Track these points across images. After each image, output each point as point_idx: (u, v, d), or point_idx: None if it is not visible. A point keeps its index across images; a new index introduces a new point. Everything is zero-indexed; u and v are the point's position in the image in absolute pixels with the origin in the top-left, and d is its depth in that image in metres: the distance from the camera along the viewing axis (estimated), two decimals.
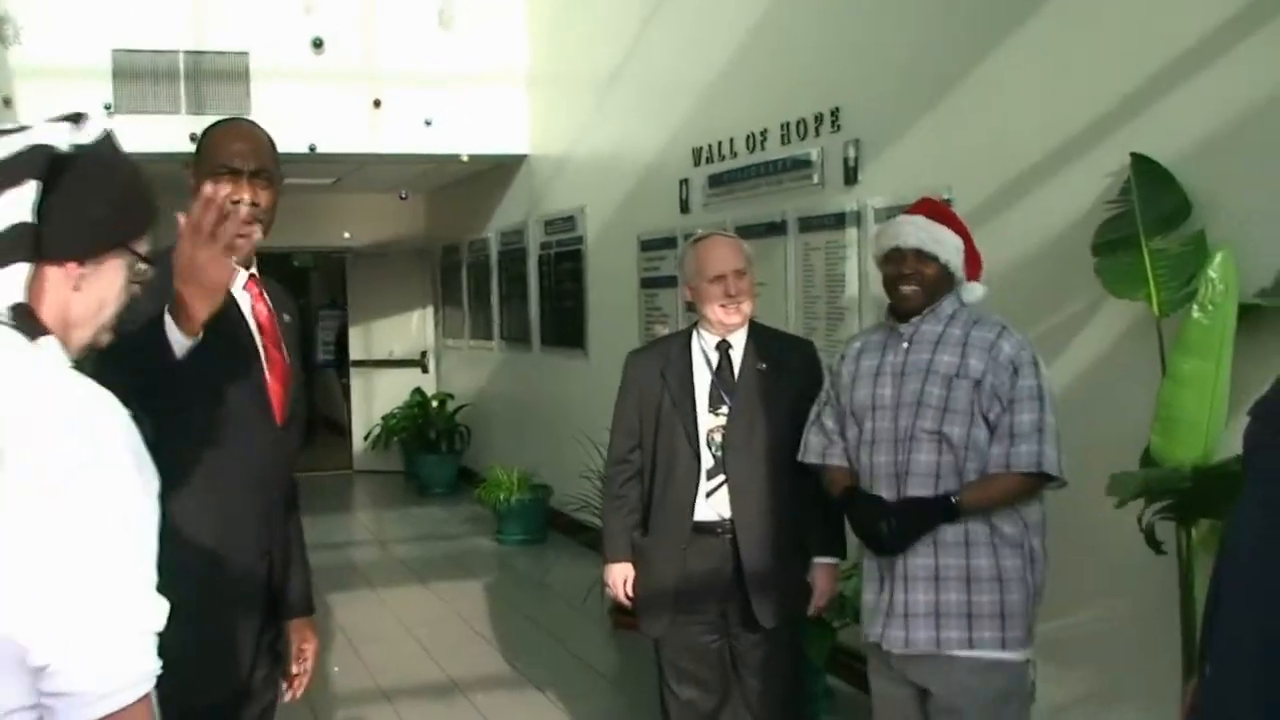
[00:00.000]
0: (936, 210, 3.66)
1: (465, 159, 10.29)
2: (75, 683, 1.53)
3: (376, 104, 9.81)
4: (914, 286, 3.49)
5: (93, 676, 1.54)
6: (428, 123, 9.96)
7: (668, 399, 4.01)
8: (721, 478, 3.93)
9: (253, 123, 3.07)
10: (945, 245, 3.50)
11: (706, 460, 3.95)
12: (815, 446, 3.75)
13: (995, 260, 4.76)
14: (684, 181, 7.59)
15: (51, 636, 1.52)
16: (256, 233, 2.87)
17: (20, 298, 1.67)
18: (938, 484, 3.39)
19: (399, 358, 13.60)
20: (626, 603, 4.14)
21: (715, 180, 7.18)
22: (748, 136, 6.82)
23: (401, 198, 12.62)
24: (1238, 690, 2.20)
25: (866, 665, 3.73)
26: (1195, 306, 3.52)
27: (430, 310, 13.75)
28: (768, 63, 6.68)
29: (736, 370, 4.00)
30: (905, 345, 3.52)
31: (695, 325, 4.10)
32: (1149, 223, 4.04)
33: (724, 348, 4.02)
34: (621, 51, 8.54)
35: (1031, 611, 3.43)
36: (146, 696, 1.59)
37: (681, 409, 3.99)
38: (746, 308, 3.99)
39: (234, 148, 2.88)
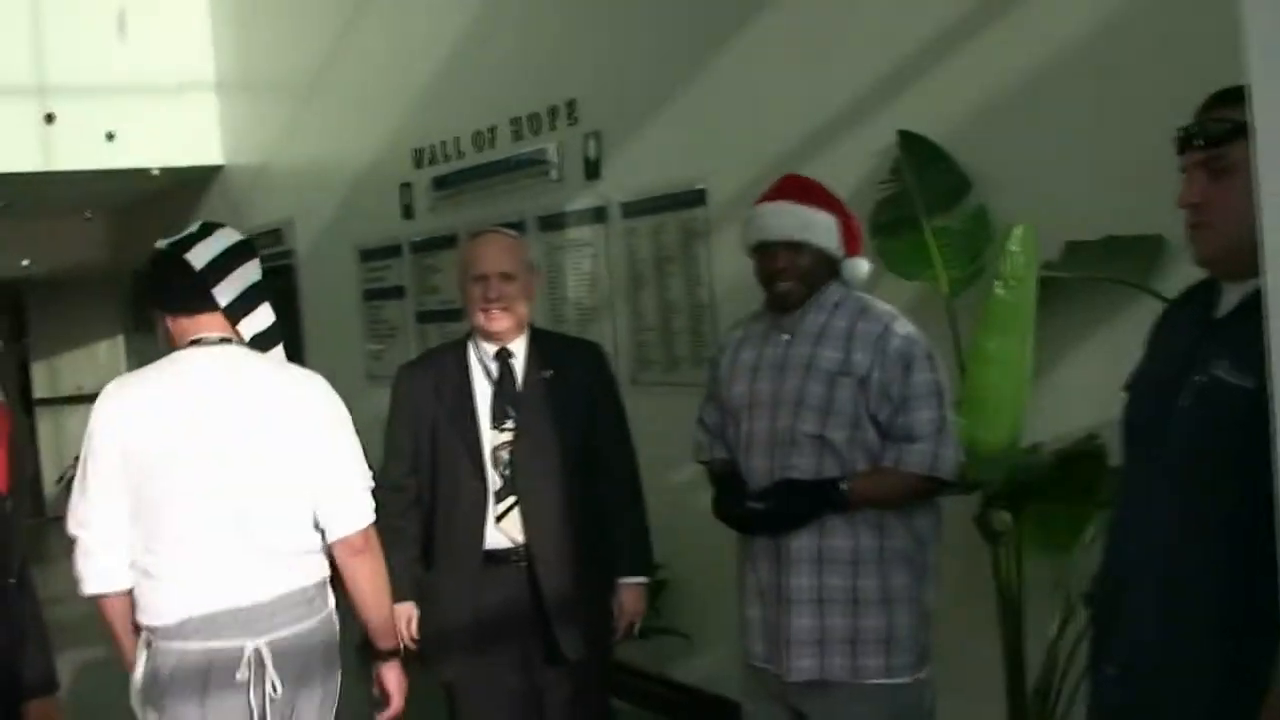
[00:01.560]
0: (801, 188, 3.27)
1: (156, 173, 9.56)
2: (344, 512, 2.97)
3: (49, 119, 8.97)
4: (789, 282, 3.16)
5: (353, 509, 2.99)
6: (110, 136, 9.18)
7: (444, 416, 3.64)
8: (511, 499, 3.57)
9: None
10: (817, 228, 3.16)
11: (494, 481, 3.58)
12: (702, 444, 3.45)
13: None
14: (406, 185, 7.18)
15: (334, 492, 2.95)
16: None
17: (273, 320, 3.01)
18: None
19: (89, 392, 12.58)
20: (412, 645, 3.74)
21: (441, 183, 6.80)
22: (474, 134, 6.48)
23: (87, 218, 11.68)
24: (1163, 678, 2.05)
25: (742, 684, 3.40)
26: (998, 283, 3.40)
27: (121, 338, 12.81)
28: (492, 56, 6.35)
29: (519, 380, 3.66)
30: (786, 338, 3.20)
31: (470, 335, 3.72)
32: (927, 201, 3.94)
33: (504, 356, 3.66)
34: (323, 52, 8.03)
35: (923, 632, 3.15)
36: (371, 526, 3.03)
37: (460, 427, 3.61)
38: (510, 317, 3.61)
39: None
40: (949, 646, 3.91)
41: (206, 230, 2.98)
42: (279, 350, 3.01)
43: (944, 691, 3.27)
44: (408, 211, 7.21)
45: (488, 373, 3.65)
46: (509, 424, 3.61)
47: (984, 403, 3.47)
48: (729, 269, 4.94)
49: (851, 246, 3.25)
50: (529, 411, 3.61)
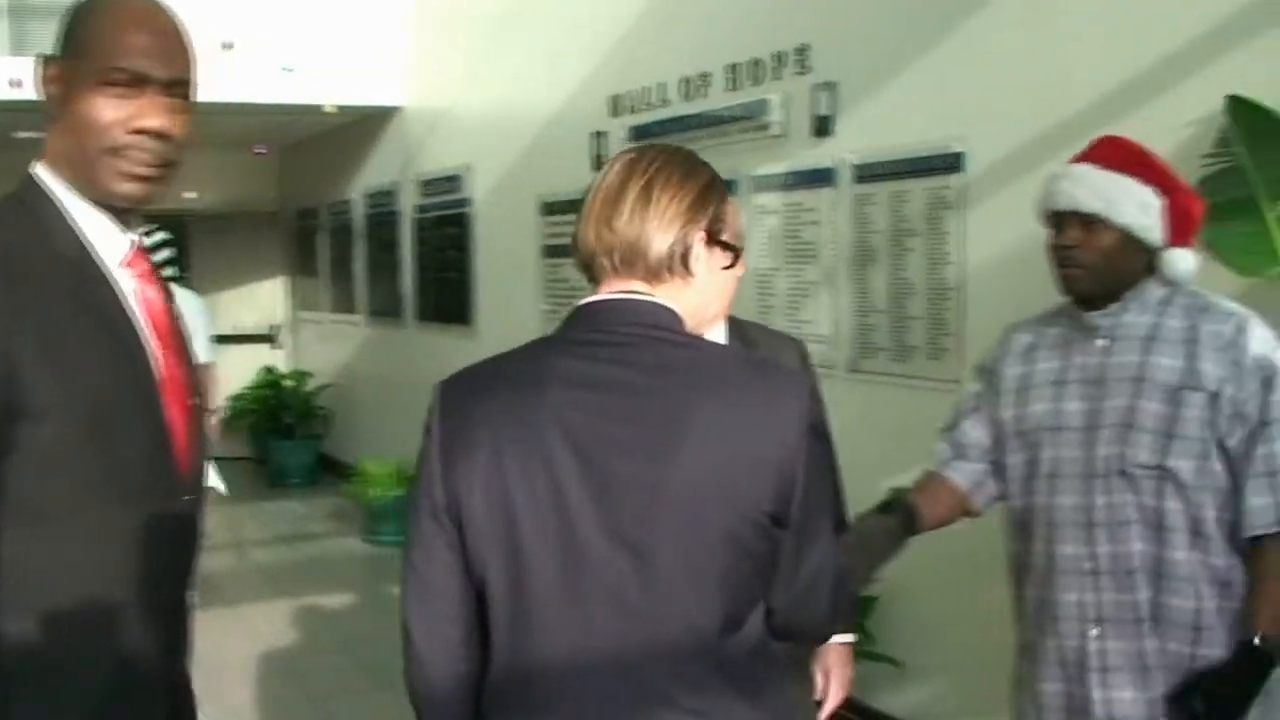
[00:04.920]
0: (1118, 152, 2.58)
1: (331, 110, 9.12)
2: None
3: (227, 46, 8.58)
4: (1075, 267, 2.53)
5: None
6: (287, 69, 8.77)
7: None
8: None
9: (161, 4, 1.94)
10: (1122, 204, 2.48)
11: None
12: (941, 453, 2.83)
13: (1027, 239, 3.92)
14: (599, 135, 6.60)
15: None
16: (168, 177, 1.90)
17: None
18: (1161, 538, 2.46)
19: (247, 332, 12.30)
20: None
21: (640, 133, 6.18)
22: (682, 81, 5.85)
23: (259, 153, 11.34)
24: None
25: None
26: None
27: (282, 280, 12.51)
28: None
29: None
30: (1102, 343, 2.56)
31: None
32: (1269, 182, 3.21)
33: None
34: None
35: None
36: None
37: None
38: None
39: (137, 41, 1.84)
40: None
41: None
42: None
43: None
44: (599, 163, 6.62)
45: None
46: None
47: None
48: (986, 248, 4.26)
49: (1179, 235, 2.55)
50: None
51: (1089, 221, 2.50)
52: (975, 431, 2.76)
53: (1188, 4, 3.59)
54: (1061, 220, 2.55)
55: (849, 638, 2.95)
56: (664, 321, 1.79)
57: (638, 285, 1.81)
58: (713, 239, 1.84)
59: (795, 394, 1.76)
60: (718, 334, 2.85)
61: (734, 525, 1.68)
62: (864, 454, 4.62)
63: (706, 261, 1.83)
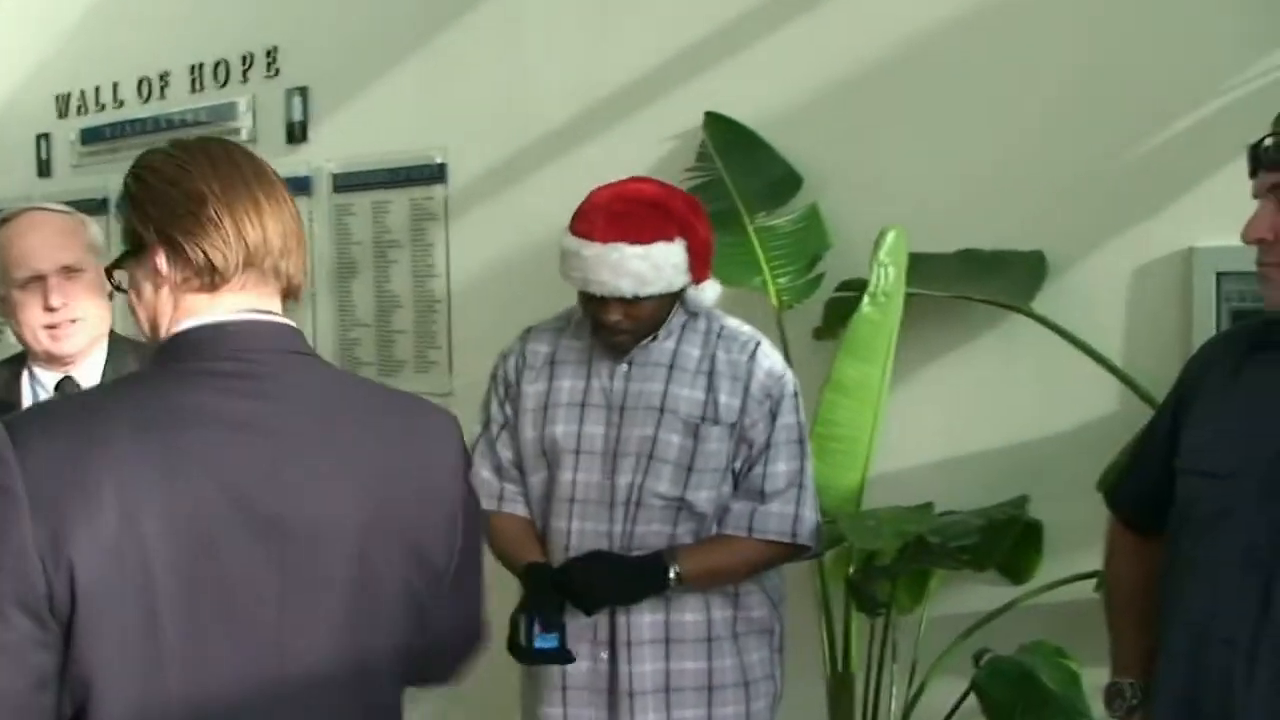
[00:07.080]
0: (646, 215, 2.45)
1: None
2: None
3: None
4: (625, 335, 2.50)
5: None
6: None
7: None
8: None
9: None
10: (661, 276, 2.42)
11: None
12: (490, 487, 2.61)
13: (509, 252, 3.93)
14: (43, 137, 6.02)
15: None
16: None
17: None
18: None
19: None
20: None
21: (92, 135, 5.69)
22: (140, 81, 5.43)
23: None
24: None
25: None
26: (867, 299, 2.82)
27: None
28: None
29: None
30: (624, 368, 2.53)
31: (25, 353, 2.56)
32: (747, 196, 3.34)
33: (68, 388, 2.51)
34: None
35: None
36: None
37: None
38: (85, 329, 2.48)
39: None
40: None
41: None
42: None
43: None
44: (44, 168, 6.04)
45: None
46: None
47: (836, 439, 2.88)
48: (471, 260, 4.22)
49: (703, 268, 2.56)
50: None
51: (634, 299, 2.45)
52: (508, 451, 2.65)
53: (665, 24, 3.67)
54: (603, 299, 2.47)
55: None
56: (303, 347, 1.56)
57: (272, 303, 1.56)
58: None
59: (452, 431, 1.64)
60: (93, 364, 2.56)
61: (409, 571, 1.52)
62: None
63: None
